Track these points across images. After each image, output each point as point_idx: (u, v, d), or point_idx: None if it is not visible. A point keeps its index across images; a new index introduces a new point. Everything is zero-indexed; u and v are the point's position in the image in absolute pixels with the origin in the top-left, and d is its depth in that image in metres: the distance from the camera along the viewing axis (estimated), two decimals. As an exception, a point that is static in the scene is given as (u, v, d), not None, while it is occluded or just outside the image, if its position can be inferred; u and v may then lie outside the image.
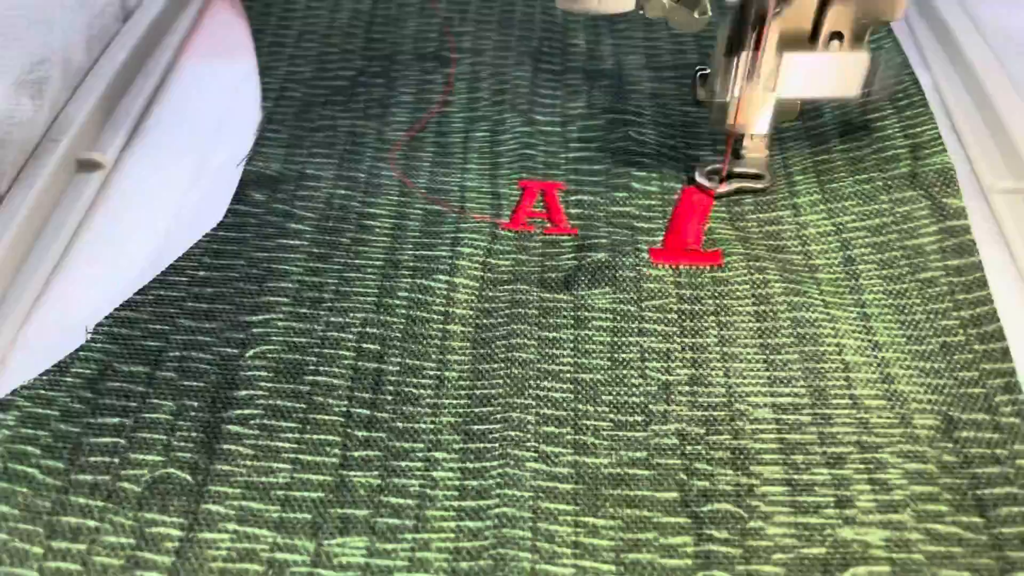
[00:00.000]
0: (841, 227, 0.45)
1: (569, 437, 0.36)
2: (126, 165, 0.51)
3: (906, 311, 0.41)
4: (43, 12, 0.52)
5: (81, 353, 0.39)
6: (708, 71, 0.47)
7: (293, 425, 0.37)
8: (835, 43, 0.44)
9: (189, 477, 0.35)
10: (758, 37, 0.43)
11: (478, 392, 0.38)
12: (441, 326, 0.41)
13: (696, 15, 0.44)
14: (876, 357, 0.39)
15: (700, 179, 0.48)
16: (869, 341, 0.40)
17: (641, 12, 0.44)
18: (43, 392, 0.37)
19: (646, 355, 0.39)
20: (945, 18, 0.59)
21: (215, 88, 0.57)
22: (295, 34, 0.60)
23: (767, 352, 0.39)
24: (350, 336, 0.40)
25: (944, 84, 0.55)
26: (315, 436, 0.36)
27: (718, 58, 0.45)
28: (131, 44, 0.56)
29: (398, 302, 0.42)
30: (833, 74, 0.44)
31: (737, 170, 0.48)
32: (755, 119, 0.45)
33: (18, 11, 0.50)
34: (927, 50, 0.58)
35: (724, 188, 0.48)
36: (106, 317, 0.40)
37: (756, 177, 0.48)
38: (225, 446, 0.36)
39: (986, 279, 0.41)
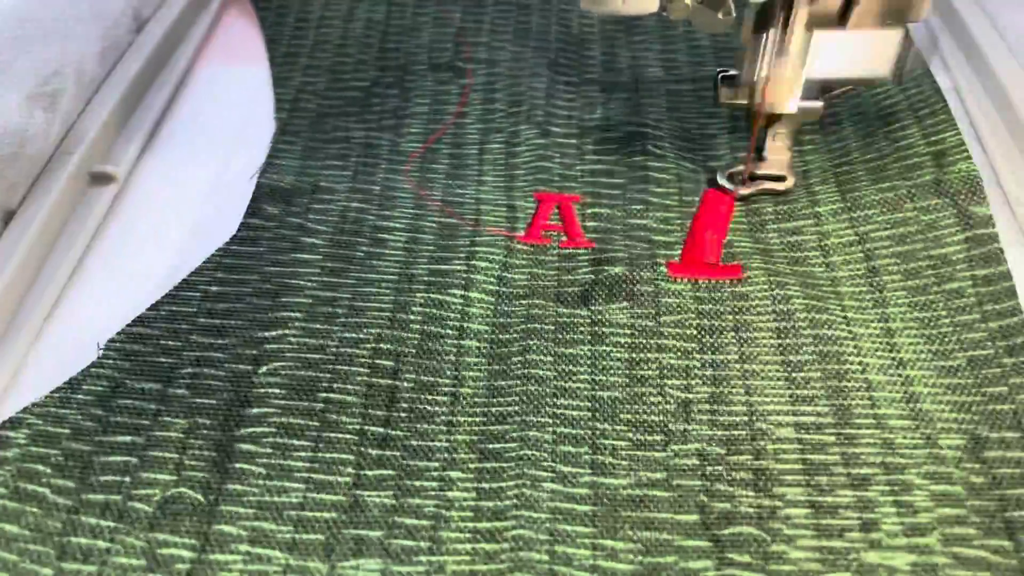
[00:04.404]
0: (864, 236, 0.44)
1: (587, 457, 0.36)
2: (139, 178, 0.50)
3: (931, 324, 0.40)
4: (56, 24, 0.51)
5: (93, 370, 0.39)
6: (730, 73, 0.46)
7: (306, 444, 0.36)
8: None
9: (201, 497, 0.34)
10: (787, 14, 0.42)
11: (494, 410, 0.38)
12: (456, 342, 0.40)
13: (720, 16, 0.43)
14: (900, 375, 0.38)
15: (722, 181, 0.48)
16: (893, 359, 0.39)
17: (664, 13, 0.44)
18: (54, 410, 0.37)
19: (665, 372, 0.39)
20: (966, 21, 0.58)
21: (228, 99, 0.56)
22: (309, 44, 0.60)
23: (789, 370, 0.39)
24: (364, 352, 0.40)
25: (965, 89, 0.54)
26: (328, 455, 0.36)
27: (746, 36, 0.44)
28: (144, 55, 0.56)
29: (412, 317, 0.41)
30: (864, 52, 0.43)
31: (760, 172, 0.47)
32: (784, 98, 0.44)
33: (31, 23, 0.50)
34: (947, 54, 0.57)
35: (746, 190, 0.47)
36: (118, 333, 0.40)
37: (779, 178, 0.47)
38: (237, 465, 0.35)
39: (1015, 289, 0.40)
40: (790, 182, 0.47)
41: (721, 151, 0.51)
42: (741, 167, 0.48)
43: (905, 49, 0.43)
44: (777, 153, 0.47)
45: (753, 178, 0.47)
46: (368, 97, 0.55)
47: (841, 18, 0.43)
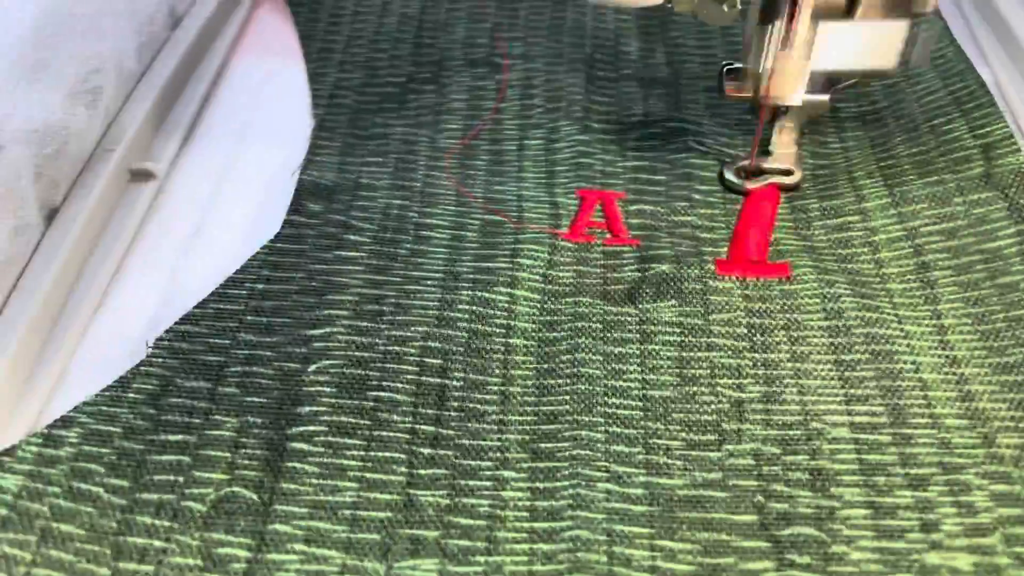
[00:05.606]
0: (913, 232, 0.44)
1: (640, 457, 0.36)
2: (178, 175, 0.50)
3: (985, 320, 0.40)
4: (95, 21, 0.51)
5: (142, 368, 0.39)
6: (735, 66, 0.46)
7: (358, 442, 0.36)
8: None
9: (255, 496, 0.34)
10: (792, 4, 0.41)
11: (544, 409, 0.37)
12: (503, 340, 0.40)
13: (725, 8, 0.43)
14: (955, 374, 0.38)
15: (729, 176, 0.48)
16: (947, 357, 0.38)
17: (669, 5, 0.43)
18: (105, 408, 0.37)
19: (716, 371, 0.38)
20: (1004, 15, 0.57)
21: (264, 95, 0.56)
22: (344, 40, 0.60)
23: (841, 369, 0.38)
24: (412, 350, 0.39)
25: (1006, 82, 0.54)
26: (381, 453, 0.36)
27: (752, 27, 0.43)
28: (181, 51, 0.56)
29: (459, 315, 0.41)
30: (870, 44, 0.43)
31: (766, 166, 0.47)
32: (789, 91, 0.44)
33: (70, 20, 0.50)
34: (986, 48, 0.57)
35: (753, 184, 0.47)
36: (166, 331, 0.40)
37: (786, 172, 0.47)
38: (290, 464, 0.35)
39: None
40: (797, 176, 0.47)
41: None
42: (747, 161, 0.47)
43: (911, 42, 0.42)
44: (784, 147, 0.47)
45: (760, 172, 0.47)
46: (404, 93, 0.55)
47: (848, 11, 0.43)
